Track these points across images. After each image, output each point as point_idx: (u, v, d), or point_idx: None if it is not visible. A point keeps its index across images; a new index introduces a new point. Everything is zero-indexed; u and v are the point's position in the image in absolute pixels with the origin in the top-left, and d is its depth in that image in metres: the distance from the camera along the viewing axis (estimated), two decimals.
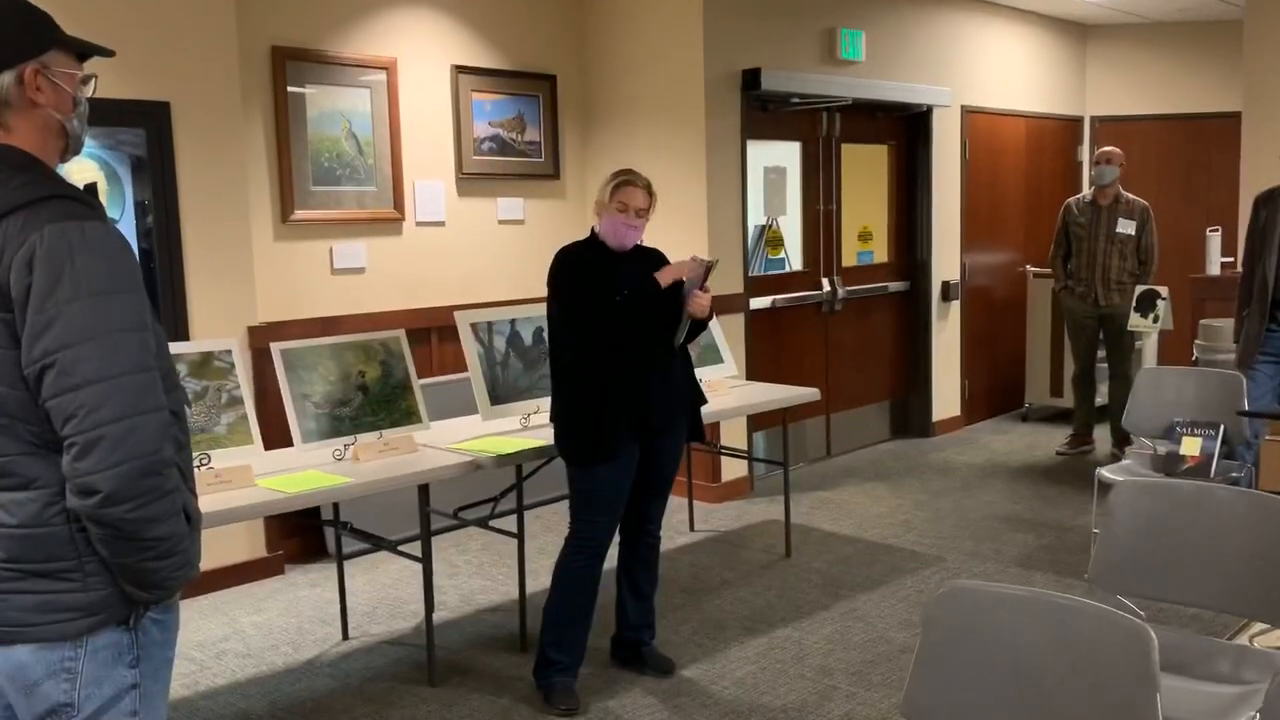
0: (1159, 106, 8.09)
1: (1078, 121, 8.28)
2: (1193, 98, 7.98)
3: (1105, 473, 4.33)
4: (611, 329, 3.29)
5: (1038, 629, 1.89)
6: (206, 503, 3.15)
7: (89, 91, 1.73)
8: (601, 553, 3.41)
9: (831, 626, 3.98)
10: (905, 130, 6.92)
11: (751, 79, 5.60)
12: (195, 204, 4.40)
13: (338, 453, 3.61)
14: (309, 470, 3.47)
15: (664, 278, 3.34)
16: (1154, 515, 2.66)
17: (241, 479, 3.30)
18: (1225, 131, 7.86)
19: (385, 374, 3.81)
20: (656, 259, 3.54)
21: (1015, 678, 1.90)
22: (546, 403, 3.89)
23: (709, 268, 3.38)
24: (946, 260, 7.13)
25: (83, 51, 1.73)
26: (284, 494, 3.19)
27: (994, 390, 7.67)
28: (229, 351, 3.53)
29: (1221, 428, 4.25)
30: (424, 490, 3.51)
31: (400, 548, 3.71)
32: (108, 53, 1.75)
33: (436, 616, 4.19)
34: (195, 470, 1.90)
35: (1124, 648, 1.77)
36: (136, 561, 1.60)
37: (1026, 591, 1.96)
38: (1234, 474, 4.22)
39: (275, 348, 3.61)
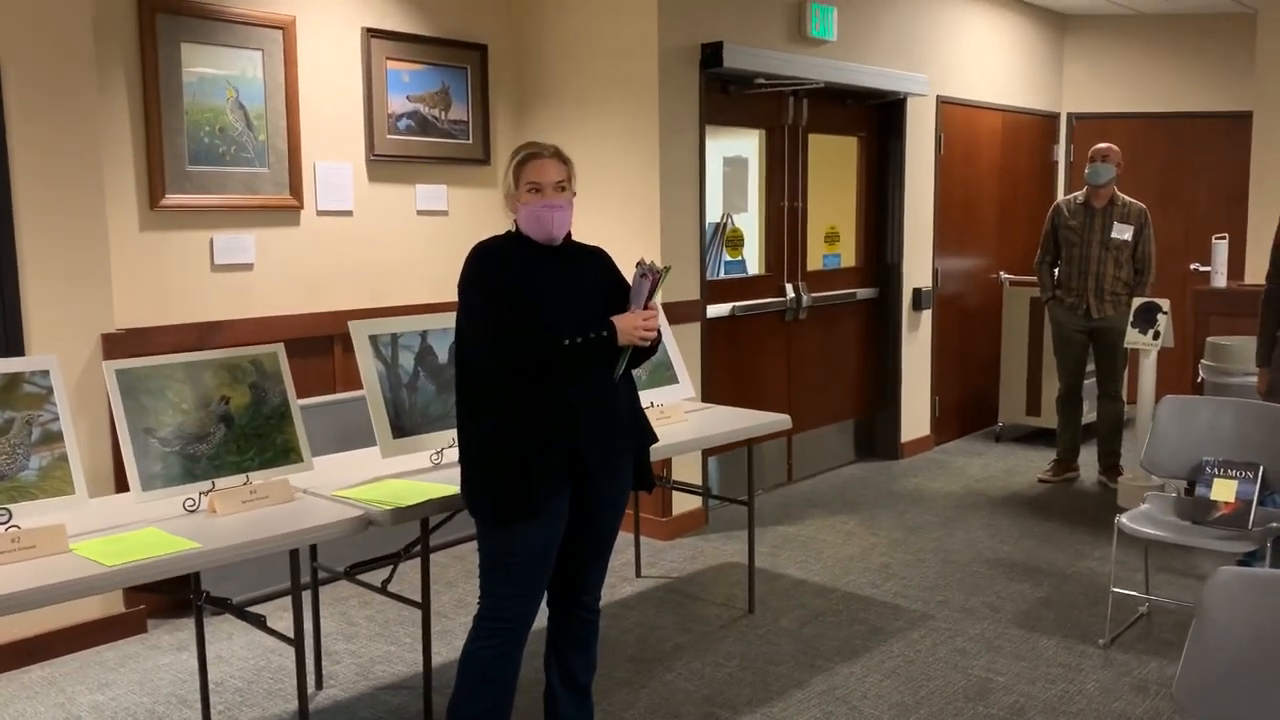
0: (1139, 104, 7.52)
1: (1053, 118, 7.68)
2: (1176, 96, 7.42)
3: (1127, 521, 3.68)
4: (537, 362, 2.56)
5: None
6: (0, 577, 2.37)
7: None
8: (520, 636, 2.66)
9: (808, 712, 3.26)
10: (877, 121, 6.26)
11: (712, 55, 4.87)
12: (32, 185, 3.57)
13: (190, 502, 2.82)
14: (149, 527, 2.68)
15: (626, 328, 2.61)
16: (1268, 618, 1.99)
17: (50, 543, 2.50)
18: (1211, 132, 7.34)
19: (256, 400, 3.02)
20: (598, 260, 2.80)
21: None
22: None
23: (657, 278, 2.64)
24: (918, 265, 6.47)
25: None
26: (101, 568, 2.40)
27: (965, 408, 7.04)
28: (45, 372, 2.72)
29: (1260, 469, 3.63)
30: (295, 556, 2.73)
31: (280, 606, 2.94)
32: None
33: (326, 695, 3.43)
34: None
35: None
36: None
37: None
38: (1274, 524, 3.60)
39: (108, 367, 2.81)
